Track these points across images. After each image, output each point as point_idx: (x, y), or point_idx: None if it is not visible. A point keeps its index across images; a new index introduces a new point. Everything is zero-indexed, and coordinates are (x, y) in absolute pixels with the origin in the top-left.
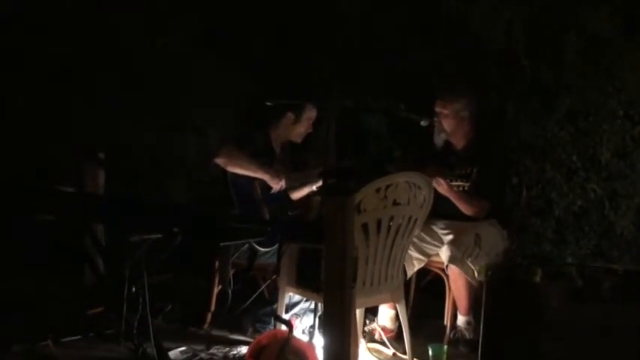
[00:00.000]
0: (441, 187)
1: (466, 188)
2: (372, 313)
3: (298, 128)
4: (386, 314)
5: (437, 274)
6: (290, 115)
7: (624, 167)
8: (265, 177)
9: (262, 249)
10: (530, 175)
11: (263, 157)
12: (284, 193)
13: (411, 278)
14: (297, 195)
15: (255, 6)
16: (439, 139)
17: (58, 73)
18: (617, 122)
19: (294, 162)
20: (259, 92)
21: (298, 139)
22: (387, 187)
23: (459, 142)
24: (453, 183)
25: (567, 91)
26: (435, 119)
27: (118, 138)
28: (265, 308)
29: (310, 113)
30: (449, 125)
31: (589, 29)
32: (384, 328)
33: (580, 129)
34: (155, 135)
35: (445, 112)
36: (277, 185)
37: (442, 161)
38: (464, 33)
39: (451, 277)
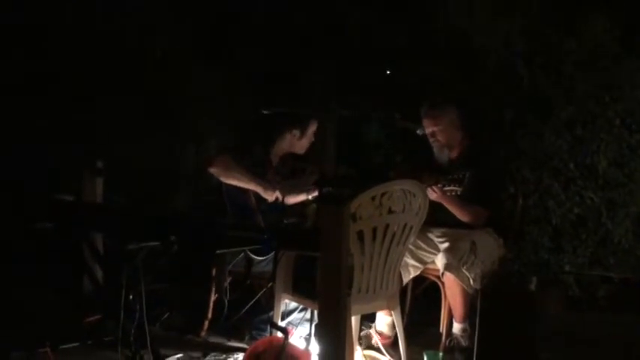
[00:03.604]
0: (434, 194)
1: (458, 193)
2: (370, 320)
3: (303, 142)
4: (383, 321)
5: (433, 281)
6: (295, 132)
7: (621, 176)
8: (258, 189)
9: (258, 257)
10: (528, 183)
11: (258, 168)
12: (280, 204)
13: (407, 285)
14: (292, 200)
15: (254, 16)
16: (443, 156)
17: (58, 81)
18: (615, 131)
19: (292, 169)
20: (258, 102)
21: (302, 152)
22: (383, 195)
23: (452, 152)
24: (446, 188)
25: (565, 100)
26: (431, 139)
27: (116, 146)
28: (262, 316)
29: (314, 127)
30: (446, 137)
31: (587, 40)
32: (381, 334)
33: (577, 138)
34: (154, 144)
35: (438, 127)
36: (271, 197)
37: (437, 169)
38: (462, 43)
39: (447, 285)
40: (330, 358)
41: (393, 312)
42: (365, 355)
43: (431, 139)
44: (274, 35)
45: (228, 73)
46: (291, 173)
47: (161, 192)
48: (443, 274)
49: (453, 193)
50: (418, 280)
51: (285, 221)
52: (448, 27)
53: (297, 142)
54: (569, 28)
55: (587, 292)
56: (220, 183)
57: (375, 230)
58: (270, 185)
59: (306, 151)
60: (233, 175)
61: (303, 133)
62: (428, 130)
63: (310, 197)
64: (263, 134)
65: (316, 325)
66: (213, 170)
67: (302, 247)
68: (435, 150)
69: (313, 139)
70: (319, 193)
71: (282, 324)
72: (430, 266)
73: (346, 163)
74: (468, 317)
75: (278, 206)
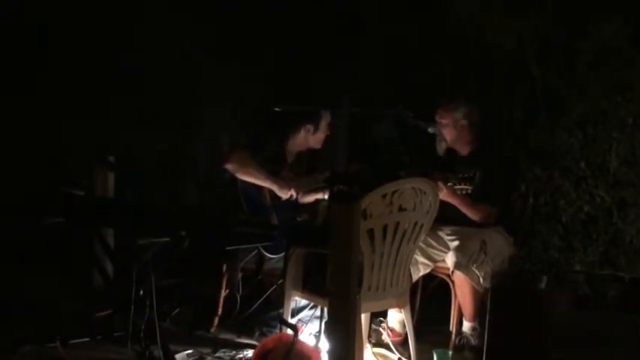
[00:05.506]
0: (442, 192)
1: (469, 192)
2: (383, 316)
3: (318, 136)
4: (395, 317)
5: (443, 279)
6: (309, 127)
7: (633, 176)
8: (274, 187)
9: (271, 255)
10: (539, 182)
11: (273, 165)
12: (294, 202)
13: (417, 284)
14: (306, 199)
15: (269, 14)
16: (440, 148)
17: (70, 77)
18: (627, 130)
19: (307, 168)
20: (271, 99)
21: (319, 146)
22: (393, 193)
23: (462, 150)
24: (456, 187)
25: (577, 99)
26: (437, 128)
27: (128, 142)
28: (272, 312)
29: (327, 119)
30: (449, 134)
31: (600, 39)
32: (392, 330)
33: (589, 137)
34: (167, 139)
35: (444, 121)
36: (286, 195)
37: (447, 168)
38: (474, 41)
39: (457, 283)
40: (339, 356)
41: (402, 310)
42: (374, 353)
43: (437, 129)
44: (287, 33)
45: (240, 70)
46: (305, 172)
47: (172, 188)
48: (453, 272)
49: (464, 192)
50: (428, 278)
51: (298, 219)
52: (461, 26)
53: (312, 136)
54: (582, 27)
55: (597, 291)
56: (234, 179)
57: (385, 228)
58: (285, 183)
59: (323, 145)
60: (249, 171)
61: (317, 128)
62: (436, 119)
63: (326, 197)
64: (277, 132)
65: (326, 323)
66: (229, 166)
67: (312, 244)
68: (437, 139)
69: (328, 132)
70: (330, 190)
71: (292, 321)
72: (440, 264)
73: (358, 161)
74: (478, 316)
75: (291, 203)
